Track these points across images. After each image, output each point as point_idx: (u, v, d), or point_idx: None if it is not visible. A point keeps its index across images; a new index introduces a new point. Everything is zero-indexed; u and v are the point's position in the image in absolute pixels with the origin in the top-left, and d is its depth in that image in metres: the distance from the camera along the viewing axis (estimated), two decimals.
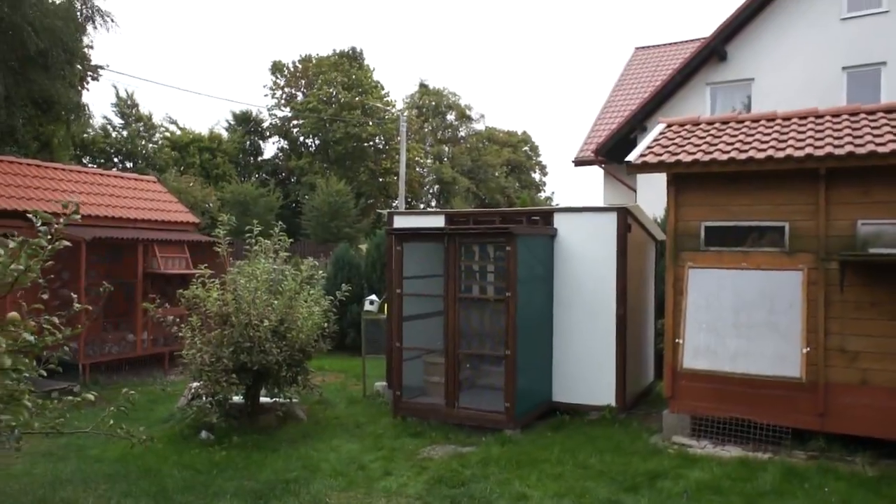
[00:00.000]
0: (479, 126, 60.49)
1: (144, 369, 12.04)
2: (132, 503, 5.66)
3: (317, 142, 46.04)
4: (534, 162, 64.98)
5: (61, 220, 3.61)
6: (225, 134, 44.27)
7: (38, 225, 3.38)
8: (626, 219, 8.68)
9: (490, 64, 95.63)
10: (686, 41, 23.44)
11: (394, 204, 43.50)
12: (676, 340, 7.44)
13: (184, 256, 13.12)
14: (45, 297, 3.91)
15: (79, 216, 3.72)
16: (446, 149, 56.73)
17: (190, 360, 7.78)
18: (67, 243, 3.57)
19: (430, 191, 55.68)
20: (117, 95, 36.72)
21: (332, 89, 44.17)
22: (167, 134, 39.76)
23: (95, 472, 6.40)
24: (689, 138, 8.21)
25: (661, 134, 8.57)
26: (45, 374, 3.65)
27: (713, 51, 16.52)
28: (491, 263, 9.87)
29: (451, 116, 58.93)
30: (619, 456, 6.81)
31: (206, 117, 73.80)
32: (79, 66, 16.25)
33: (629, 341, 8.74)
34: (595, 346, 8.58)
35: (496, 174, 56.94)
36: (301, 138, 46.50)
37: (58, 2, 14.58)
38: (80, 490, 5.93)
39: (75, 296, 3.93)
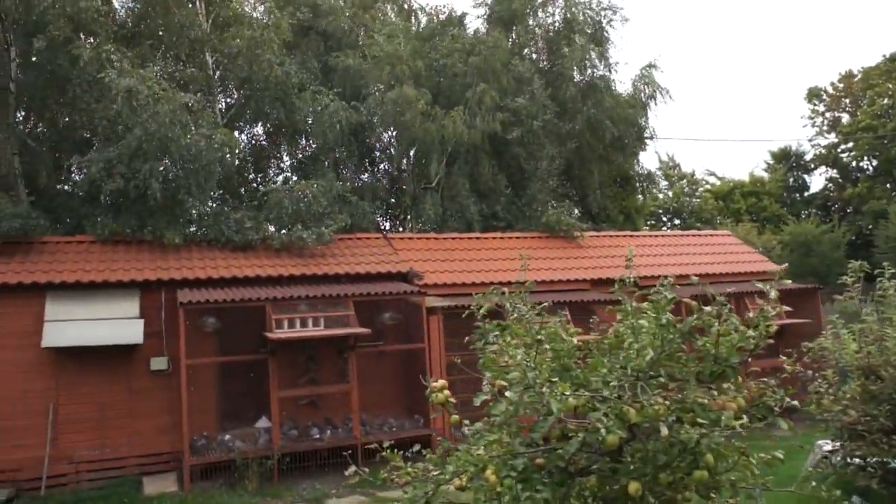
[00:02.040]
0: None
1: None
2: None
3: (874, 163, 40.54)
4: None
5: (770, 285, 3.81)
6: (765, 175, 42.89)
7: (771, 295, 3.61)
8: None
9: None
10: None
11: None
12: None
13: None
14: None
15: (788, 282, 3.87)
16: None
17: (833, 418, 7.35)
18: (789, 308, 3.74)
19: None
20: (660, 160, 39.39)
21: (886, 100, 38.61)
22: (708, 186, 40.65)
23: None
24: None
25: None
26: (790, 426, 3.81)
27: None
28: None
29: None
30: None
31: (744, 163, 73.00)
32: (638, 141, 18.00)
33: None
34: None
35: None
36: (853, 163, 41.64)
37: (625, 92, 16.57)
38: None
39: (784, 357, 4.06)
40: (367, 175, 17.46)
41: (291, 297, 10.08)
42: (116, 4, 13.57)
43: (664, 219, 39.01)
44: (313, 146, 15.97)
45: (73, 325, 9.73)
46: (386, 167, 17.48)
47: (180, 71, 13.01)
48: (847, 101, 42.72)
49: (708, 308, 3.80)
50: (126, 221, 11.30)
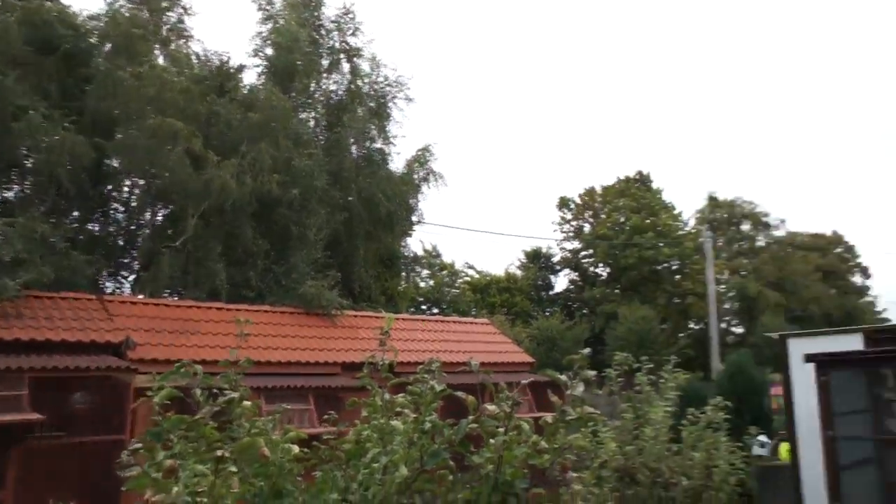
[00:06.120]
0: (780, 233, 54.97)
1: None
2: None
3: (608, 270, 45.34)
4: (851, 265, 56.61)
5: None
6: (519, 273, 45.72)
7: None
8: None
9: (787, 162, 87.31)
10: None
11: (702, 326, 40.27)
12: None
13: (526, 399, 12.69)
14: None
15: None
16: (745, 261, 52.16)
17: None
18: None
19: (731, 308, 50.95)
20: (423, 248, 40.07)
21: (620, 217, 43.77)
22: (467, 279, 42.19)
23: None
24: None
25: None
26: None
27: None
28: None
29: (746, 226, 54.59)
30: None
31: (500, 259, 77.99)
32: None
33: None
34: None
35: (806, 284, 50.31)
36: (591, 268, 46.23)
37: (401, 170, 16.17)
38: None
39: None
40: (98, 225, 14.73)
41: None
42: None
43: (423, 307, 39.38)
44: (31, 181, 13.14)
45: None
46: (121, 217, 14.92)
47: None
48: (589, 212, 47.69)
49: (491, 406, 2.78)
50: None
